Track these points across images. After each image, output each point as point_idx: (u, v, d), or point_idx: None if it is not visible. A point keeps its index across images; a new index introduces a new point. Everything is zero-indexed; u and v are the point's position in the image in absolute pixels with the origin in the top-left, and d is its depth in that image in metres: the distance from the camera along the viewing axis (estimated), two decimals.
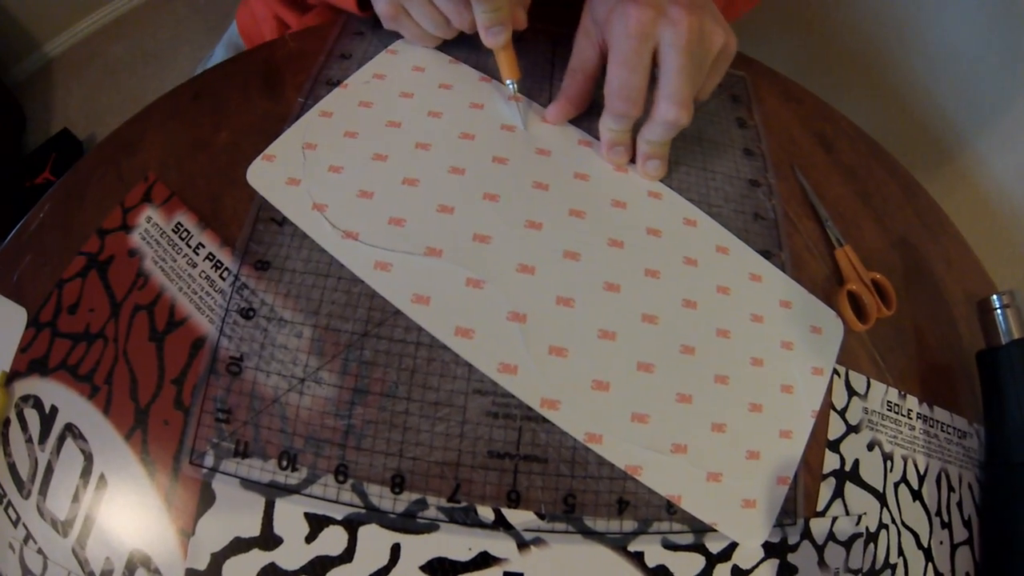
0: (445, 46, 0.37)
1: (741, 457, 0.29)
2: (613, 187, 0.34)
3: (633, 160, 0.34)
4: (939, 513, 0.32)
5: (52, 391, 0.27)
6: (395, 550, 0.25)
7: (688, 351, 0.30)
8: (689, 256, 0.32)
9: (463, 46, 0.37)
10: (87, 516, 0.25)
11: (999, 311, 0.34)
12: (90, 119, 1.07)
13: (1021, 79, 0.48)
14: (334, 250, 0.29)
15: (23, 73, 1.11)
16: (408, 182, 0.31)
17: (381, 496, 0.26)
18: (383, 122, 0.33)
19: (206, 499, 0.25)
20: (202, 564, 0.24)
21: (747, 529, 0.28)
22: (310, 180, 0.31)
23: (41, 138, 1.00)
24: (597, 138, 0.35)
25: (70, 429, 0.27)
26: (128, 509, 0.25)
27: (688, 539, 0.27)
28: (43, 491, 0.26)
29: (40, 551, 0.25)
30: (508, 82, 0.34)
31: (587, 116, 0.36)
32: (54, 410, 0.27)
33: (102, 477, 0.26)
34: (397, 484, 0.26)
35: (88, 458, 0.26)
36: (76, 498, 0.26)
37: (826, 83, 0.52)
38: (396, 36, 0.37)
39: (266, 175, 0.31)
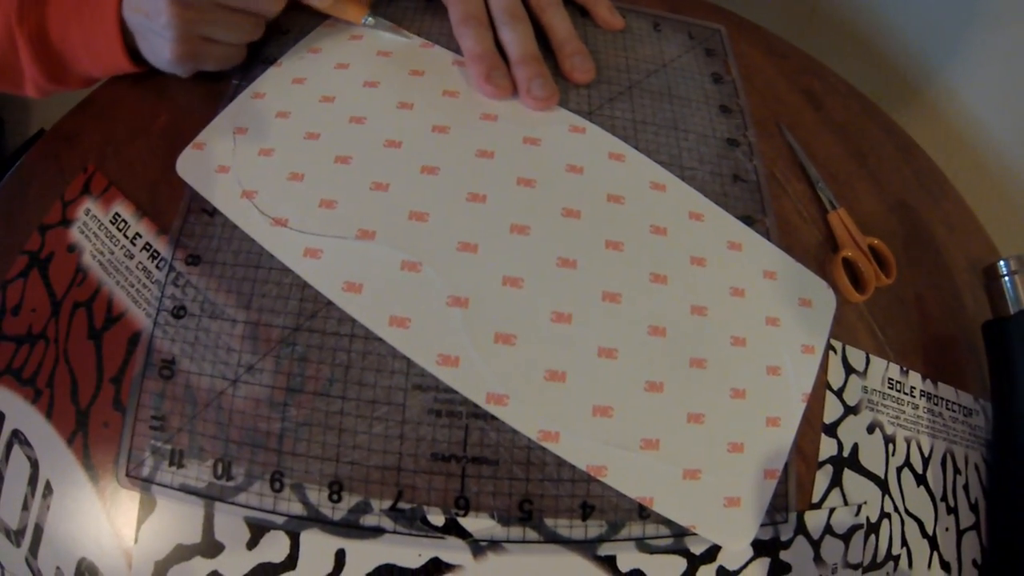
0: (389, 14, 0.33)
1: (722, 450, 0.25)
2: (568, 151, 0.29)
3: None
4: (944, 498, 0.29)
5: None
6: (340, 556, 0.23)
7: (658, 332, 0.26)
8: (657, 224, 0.28)
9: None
10: (36, 525, 0.24)
11: (1007, 278, 0.30)
12: None
13: (984, 3, 0.44)
14: (263, 239, 0.26)
15: None
16: (340, 160, 0.28)
17: (320, 503, 0.23)
18: (317, 97, 0.29)
19: (147, 506, 0.23)
20: (146, 573, 0.23)
21: (731, 530, 0.24)
22: (240, 166, 0.28)
23: (19, 140, 0.97)
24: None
25: (16, 435, 0.25)
26: (74, 517, 0.24)
27: (667, 541, 0.24)
28: None
29: None
30: (364, 20, 0.31)
31: None
32: (1, 416, 0.26)
33: (48, 484, 0.24)
34: (335, 491, 0.23)
35: (34, 465, 0.25)
36: (25, 506, 0.25)
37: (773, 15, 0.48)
38: None
39: (196, 165, 0.28)
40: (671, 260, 0.27)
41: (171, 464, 0.24)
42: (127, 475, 0.24)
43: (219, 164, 0.28)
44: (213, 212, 0.27)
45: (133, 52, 0.30)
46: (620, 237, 0.27)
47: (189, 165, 0.28)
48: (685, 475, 0.25)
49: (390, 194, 0.27)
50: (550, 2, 0.32)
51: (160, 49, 0.29)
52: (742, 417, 0.26)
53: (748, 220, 0.30)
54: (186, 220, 0.27)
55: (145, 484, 0.23)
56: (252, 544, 0.23)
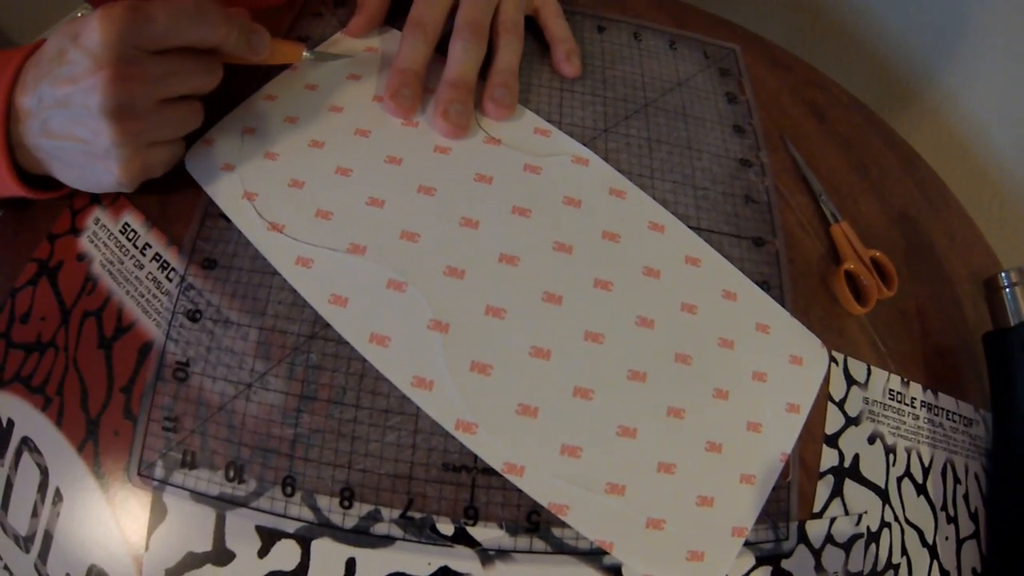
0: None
1: (690, 503, 0.23)
2: (569, 182, 0.26)
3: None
4: (944, 507, 0.27)
5: (8, 404, 0.24)
6: (350, 565, 0.21)
7: (637, 377, 0.23)
8: (651, 266, 0.26)
9: None
10: (46, 531, 0.23)
11: (1007, 289, 0.28)
12: None
13: (980, 7, 0.41)
14: (258, 242, 0.24)
15: None
16: (341, 171, 0.26)
17: (330, 510, 0.21)
18: (326, 106, 0.27)
19: (158, 512, 0.22)
20: None
21: None
22: (244, 166, 0.26)
23: None
24: (555, 124, 0.28)
25: (26, 442, 0.24)
26: (84, 524, 0.22)
27: None
28: (4, 506, 0.23)
29: (6, 567, 0.23)
30: (304, 56, 0.27)
31: (547, 96, 0.29)
32: (11, 423, 0.24)
33: (57, 491, 0.23)
34: (346, 498, 0.21)
35: (44, 472, 0.23)
36: (35, 513, 0.23)
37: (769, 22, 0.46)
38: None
39: (204, 160, 0.26)
40: (660, 304, 0.25)
41: (183, 466, 0.22)
42: (139, 474, 0.22)
43: (225, 162, 0.26)
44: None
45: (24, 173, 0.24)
46: (610, 276, 0.25)
47: (197, 161, 0.26)
48: (648, 524, 0.22)
49: (385, 211, 0.25)
50: (507, 28, 0.28)
51: (103, 173, 0.23)
52: (715, 471, 0.23)
53: (759, 241, 0.28)
54: (203, 224, 0.25)
55: (157, 485, 0.22)
56: (263, 552, 0.21)
